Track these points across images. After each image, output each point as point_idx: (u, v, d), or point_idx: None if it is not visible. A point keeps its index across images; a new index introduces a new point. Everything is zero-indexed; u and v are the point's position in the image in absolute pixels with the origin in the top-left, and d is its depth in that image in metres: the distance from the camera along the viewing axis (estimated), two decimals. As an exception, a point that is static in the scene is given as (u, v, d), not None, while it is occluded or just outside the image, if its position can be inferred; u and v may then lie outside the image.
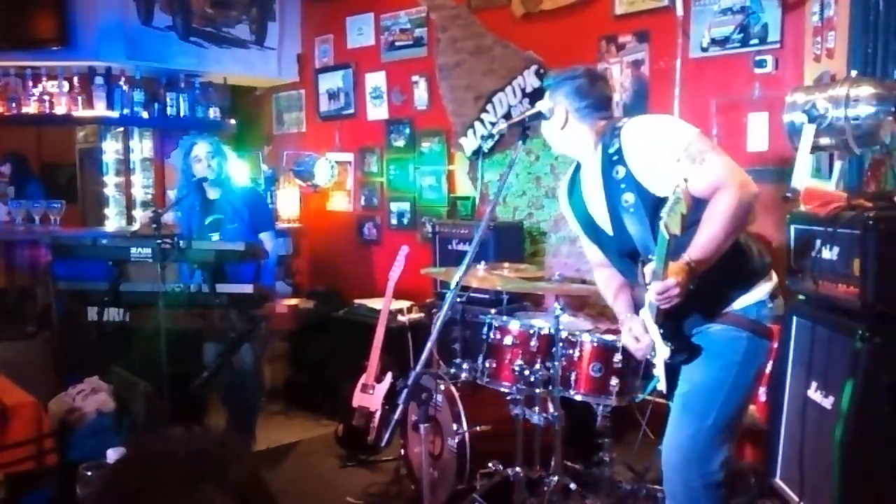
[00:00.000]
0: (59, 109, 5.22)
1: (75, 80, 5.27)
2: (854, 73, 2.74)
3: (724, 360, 2.23)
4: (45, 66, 5.20)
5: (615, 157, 2.22)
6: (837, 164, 2.91)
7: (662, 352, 2.24)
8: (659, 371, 2.35)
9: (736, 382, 2.24)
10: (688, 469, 2.25)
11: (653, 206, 2.11)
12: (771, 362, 2.56)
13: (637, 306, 2.36)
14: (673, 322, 2.21)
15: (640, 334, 2.32)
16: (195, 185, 4.00)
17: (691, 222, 2.08)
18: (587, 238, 2.48)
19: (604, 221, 2.34)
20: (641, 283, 2.19)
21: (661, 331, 2.21)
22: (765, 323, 2.27)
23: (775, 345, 2.51)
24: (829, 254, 2.46)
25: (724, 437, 2.26)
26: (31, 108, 5.16)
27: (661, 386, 2.37)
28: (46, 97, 5.18)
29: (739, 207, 2.06)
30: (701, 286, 2.07)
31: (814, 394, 2.54)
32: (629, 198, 2.19)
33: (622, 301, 2.46)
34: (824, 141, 2.67)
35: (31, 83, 5.16)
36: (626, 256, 2.30)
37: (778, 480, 2.76)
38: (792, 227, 2.71)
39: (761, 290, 2.26)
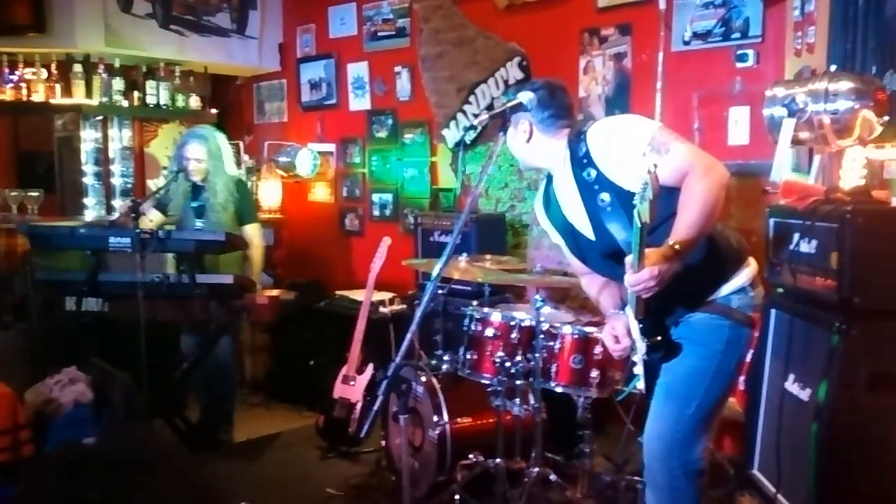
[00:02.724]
0: (37, 97, 5.13)
1: (53, 67, 5.19)
2: (833, 67, 2.76)
3: (706, 349, 2.24)
4: (22, 53, 5.11)
5: (584, 161, 2.24)
6: (816, 158, 2.93)
7: (641, 349, 2.25)
8: (639, 370, 2.36)
9: (718, 371, 2.25)
10: (670, 457, 2.26)
11: (629, 201, 2.12)
12: (751, 352, 2.58)
13: (625, 305, 2.36)
14: (653, 318, 2.21)
15: (621, 335, 2.33)
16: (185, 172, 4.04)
17: (667, 215, 2.10)
18: (569, 249, 2.49)
19: (584, 226, 2.34)
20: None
21: (641, 325, 2.21)
22: (746, 311, 2.28)
23: (756, 334, 2.53)
24: (807, 247, 2.48)
25: (706, 425, 2.27)
26: (7, 95, 5.07)
27: (641, 385, 2.38)
28: (23, 84, 5.10)
29: (711, 188, 2.08)
30: (680, 277, 2.08)
31: (791, 386, 2.56)
32: (605, 197, 2.20)
33: (607, 296, 2.46)
34: (804, 135, 2.69)
35: (7, 70, 5.07)
36: (610, 258, 2.31)
37: (755, 472, 2.79)
38: (771, 221, 2.73)
39: (741, 277, 2.27)
